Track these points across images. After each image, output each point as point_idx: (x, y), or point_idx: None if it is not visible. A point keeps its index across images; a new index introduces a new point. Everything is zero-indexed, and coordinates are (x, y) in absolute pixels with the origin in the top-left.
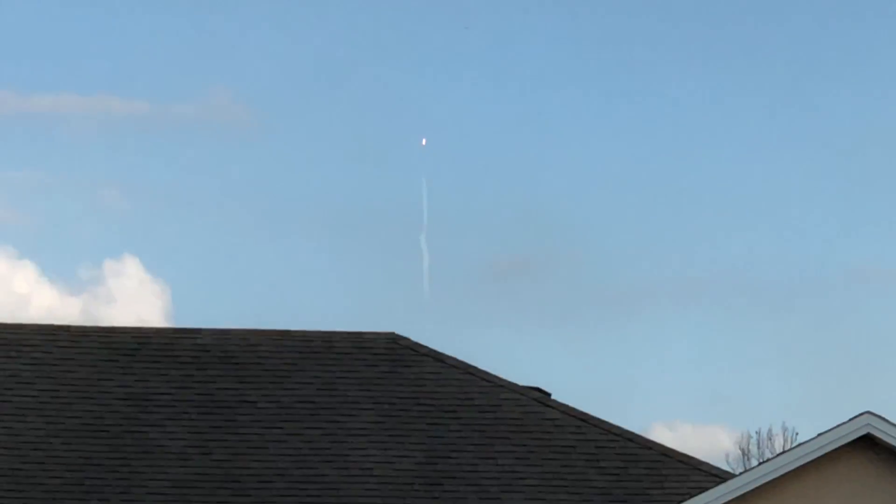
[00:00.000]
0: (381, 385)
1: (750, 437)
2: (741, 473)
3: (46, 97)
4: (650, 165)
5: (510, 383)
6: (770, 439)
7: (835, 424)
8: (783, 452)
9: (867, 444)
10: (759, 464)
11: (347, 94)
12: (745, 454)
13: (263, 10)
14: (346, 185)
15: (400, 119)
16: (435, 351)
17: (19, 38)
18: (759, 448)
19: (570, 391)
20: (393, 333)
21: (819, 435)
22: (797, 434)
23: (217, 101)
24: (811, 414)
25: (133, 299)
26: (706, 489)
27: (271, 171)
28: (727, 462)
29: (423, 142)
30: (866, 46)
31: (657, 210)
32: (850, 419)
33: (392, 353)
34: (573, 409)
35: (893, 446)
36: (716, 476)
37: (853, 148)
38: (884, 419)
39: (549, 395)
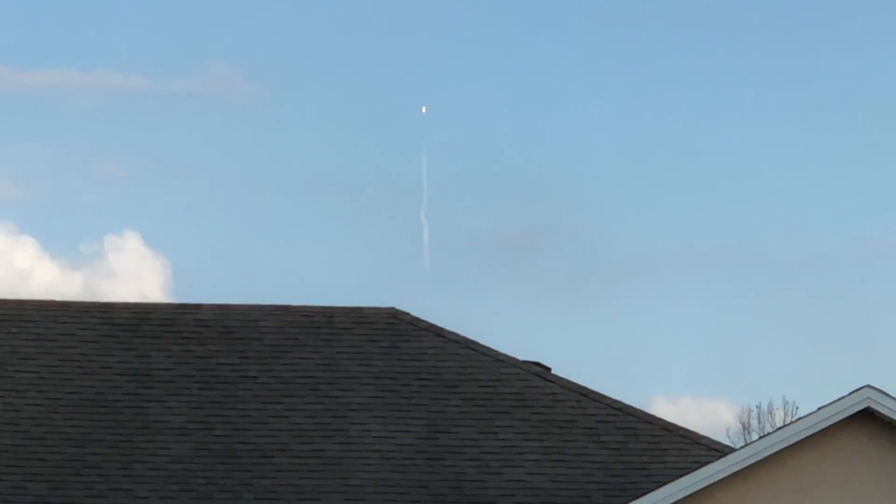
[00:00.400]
0: (381, 360)
1: (750, 411)
2: (741, 448)
3: (47, 73)
4: (653, 137)
5: (510, 358)
6: (771, 413)
7: (835, 398)
8: (783, 426)
9: (867, 418)
10: (759, 438)
11: (347, 68)
12: (746, 428)
13: None
14: (347, 159)
15: (401, 92)
16: (435, 326)
17: (19, 13)
18: (759, 422)
19: (570, 365)
20: (393, 308)
21: (819, 409)
22: (797, 408)
23: (217, 76)
24: (812, 387)
25: (134, 274)
26: (706, 463)
27: (271, 146)
28: (728, 436)
29: (424, 110)
30: (876, 14)
31: (659, 183)
32: (850, 393)
33: (392, 328)
34: (573, 384)
35: (893, 420)
36: (716, 450)
37: (859, 119)
38: (884, 393)
39: (549, 369)
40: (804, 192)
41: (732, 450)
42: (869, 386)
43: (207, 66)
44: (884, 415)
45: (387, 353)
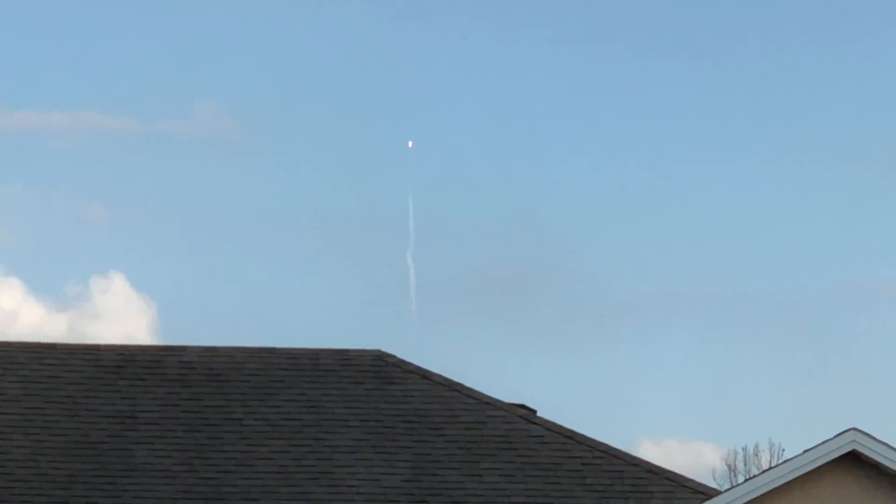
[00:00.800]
0: (367, 402)
1: (736, 453)
2: (727, 490)
3: (32, 113)
4: (639, 179)
5: (496, 400)
6: (757, 455)
7: (821, 441)
8: (769, 469)
9: (853, 461)
10: (746, 480)
11: (332, 110)
12: (732, 470)
13: (246, 24)
14: (333, 200)
15: (387, 131)
16: (421, 368)
17: (4, 54)
18: (745, 464)
19: (556, 408)
20: (379, 351)
21: (805, 451)
22: (784, 450)
23: (201, 117)
24: (798, 430)
25: (120, 316)
26: None
27: (257, 186)
28: (714, 478)
29: (410, 144)
30: (856, 57)
31: (645, 224)
32: (836, 435)
33: (378, 371)
34: (559, 426)
35: (879, 463)
36: (702, 493)
37: (845, 160)
38: (869, 436)
39: (534, 411)
40: (790, 233)
41: (718, 492)
42: (855, 429)
43: (192, 107)
44: (869, 457)
45: (372, 396)
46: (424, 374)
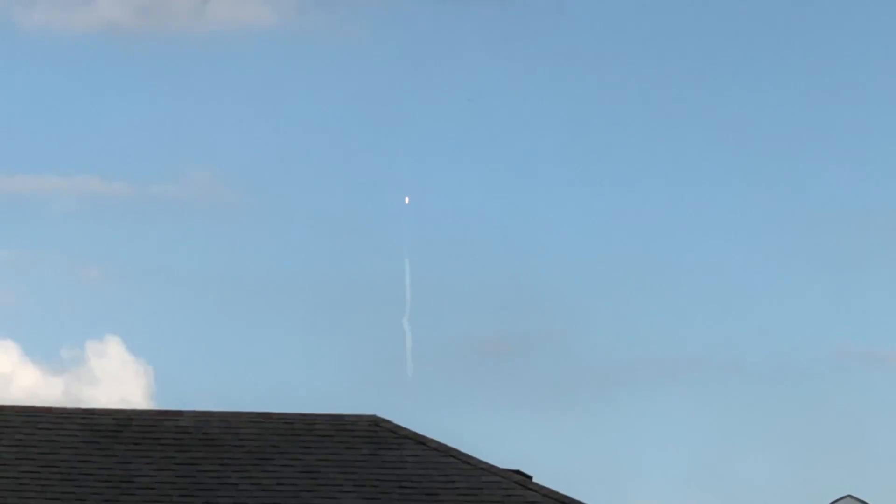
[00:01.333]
0: (362, 468)
1: None
2: None
3: (28, 178)
4: (635, 245)
5: (491, 466)
6: None
7: None
8: None
9: None
10: None
11: (326, 174)
12: None
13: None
14: (327, 265)
15: (382, 198)
16: (416, 433)
17: (2, 119)
18: None
19: (552, 474)
20: (374, 416)
21: None
22: None
23: (196, 182)
24: (795, 496)
25: (115, 380)
26: None
27: (251, 251)
28: None
29: (406, 200)
30: (854, 126)
31: (641, 290)
32: (833, 503)
33: (373, 436)
34: (555, 493)
35: None
36: None
37: (840, 228)
38: (864, 503)
39: (530, 477)
40: (785, 301)
41: None
42: (850, 496)
43: (187, 172)
44: None
45: (368, 461)
46: (420, 440)
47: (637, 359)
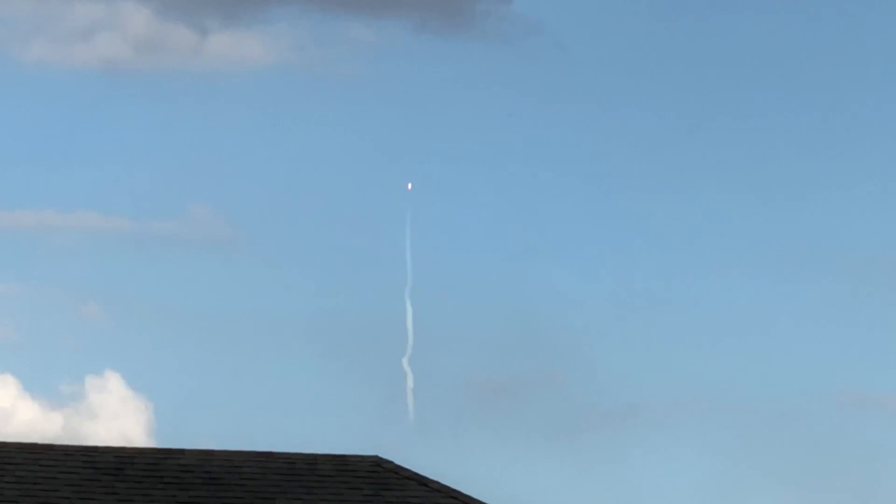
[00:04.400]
0: None
1: None
2: None
3: (26, 213)
4: (638, 286)
5: None
6: None
7: None
8: None
9: None
10: None
11: (326, 211)
12: None
13: (239, 127)
14: (329, 303)
15: (383, 236)
16: (418, 474)
17: (3, 157)
18: None
19: None
20: (376, 456)
21: None
22: None
23: (196, 218)
24: None
25: (115, 415)
26: None
27: (251, 289)
28: None
29: (409, 186)
30: (854, 167)
31: (643, 332)
32: None
33: (375, 477)
34: None
35: None
36: None
37: (845, 270)
38: None
39: None
40: (790, 344)
41: None
42: None
43: (186, 208)
44: None
45: (370, 502)
46: (422, 481)
47: (639, 400)
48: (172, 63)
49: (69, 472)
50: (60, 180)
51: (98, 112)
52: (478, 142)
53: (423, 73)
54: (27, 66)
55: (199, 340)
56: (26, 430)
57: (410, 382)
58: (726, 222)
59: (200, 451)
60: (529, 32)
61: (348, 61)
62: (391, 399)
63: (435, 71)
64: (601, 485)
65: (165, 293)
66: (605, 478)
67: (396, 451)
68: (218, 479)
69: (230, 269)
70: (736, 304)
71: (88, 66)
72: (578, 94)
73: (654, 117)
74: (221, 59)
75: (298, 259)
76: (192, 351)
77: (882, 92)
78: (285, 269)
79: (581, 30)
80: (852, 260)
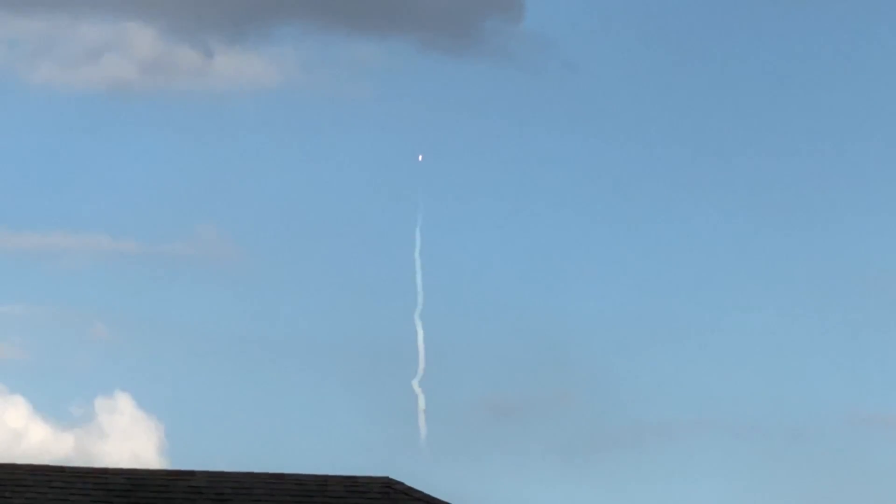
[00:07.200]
0: None
1: None
2: None
3: (36, 235)
4: (649, 307)
5: None
6: None
7: None
8: None
9: None
10: None
11: (336, 233)
12: None
13: (246, 149)
14: (339, 324)
15: (392, 256)
16: (429, 496)
17: (8, 176)
18: None
19: None
20: (387, 478)
21: None
22: None
23: (205, 240)
24: None
25: (126, 436)
26: None
27: (261, 310)
28: None
29: (420, 157)
30: (868, 194)
31: (655, 353)
32: None
33: (386, 498)
34: None
35: None
36: None
37: (860, 293)
38: None
39: None
40: (805, 364)
41: None
42: None
43: (195, 230)
44: None
45: None
46: (432, 502)
47: (653, 421)
48: (179, 84)
49: (80, 493)
50: (68, 202)
51: (105, 134)
52: (487, 162)
53: (430, 91)
54: (34, 88)
55: (209, 362)
56: (37, 451)
57: (422, 403)
58: (742, 245)
59: (211, 473)
60: (539, 50)
61: (354, 81)
62: (402, 420)
63: (442, 89)
64: (613, 503)
65: (175, 314)
66: (619, 499)
67: (407, 472)
68: (229, 500)
69: (239, 289)
70: (751, 325)
71: (95, 88)
72: (589, 114)
73: (668, 137)
74: (227, 80)
75: (307, 280)
76: (203, 372)
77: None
78: (294, 290)
79: (591, 48)
80: (868, 283)
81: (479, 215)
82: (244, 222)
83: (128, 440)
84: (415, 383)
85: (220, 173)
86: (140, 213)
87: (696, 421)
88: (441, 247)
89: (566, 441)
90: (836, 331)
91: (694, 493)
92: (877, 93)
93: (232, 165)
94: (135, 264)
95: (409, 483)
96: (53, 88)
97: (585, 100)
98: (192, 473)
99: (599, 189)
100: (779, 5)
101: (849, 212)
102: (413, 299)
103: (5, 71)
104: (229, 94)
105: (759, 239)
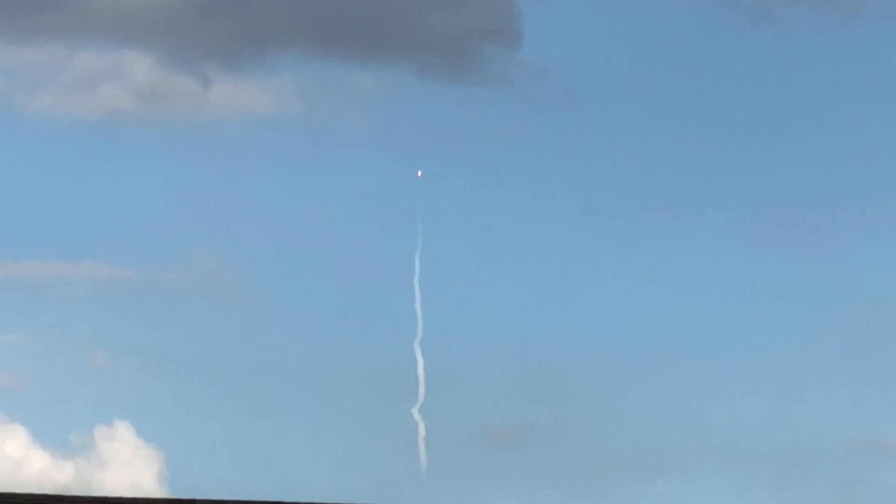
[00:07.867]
0: None
1: None
2: None
3: (34, 264)
4: (649, 335)
5: None
6: None
7: None
8: None
9: None
10: None
11: (335, 260)
12: None
13: (244, 177)
14: (339, 352)
15: (392, 285)
16: None
17: (7, 207)
18: None
19: None
20: None
21: None
22: None
23: (203, 268)
24: None
25: (126, 464)
26: None
27: (260, 338)
28: None
29: (419, 173)
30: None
31: (653, 381)
32: None
33: None
34: None
35: None
36: None
37: (860, 318)
38: None
39: None
40: (805, 390)
41: None
42: None
43: (193, 258)
44: None
45: None
46: None
47: (653, 447)
48: (176, 113)
49: None
50: (66, 231)
51: (102, 162)
52: (486, 188)
53: (428, 118)
54: (31, 116)
55: (208, 390)
56: (38, 479)
57: (422, 431)
58: (743, 274)
59: (212, 502)
60: (536, 77)
61: (352, 108)
62: (403, 448)
63: (440, 116)
64: None
65: (173, 342)
66: None
67: (408, 499)
68: None
69: (238, 317)
70: (751, 352)
71: (92, 116)
72: (587, 140)
73: (666, 163)
74: (225, 108)
75: (307, 308)
76: (202, 400)
77: None
78: (294, 319)
79: (588, 75)
80: (868, 311)
81: (478, 242)
82: (242, 250)
83: (128, 469)
84: (415, 411)
85: (218, 201)
86: (138, 242)
87: (696, 448)
88: (440, 274)
89: (566, 469)
90: (837, 358)
91: None
92: (878, 115)
93: (230, 193)
94: (133, 292)
95: None
96: (51, 117)
97: (583, 126)
98: (192, 502)
99: (599, 216)
100: (775, 31)
101: (850, 241)
102: (413, 327)
103: (3, 100)
104: (227, 122)
105: (761, 268)
